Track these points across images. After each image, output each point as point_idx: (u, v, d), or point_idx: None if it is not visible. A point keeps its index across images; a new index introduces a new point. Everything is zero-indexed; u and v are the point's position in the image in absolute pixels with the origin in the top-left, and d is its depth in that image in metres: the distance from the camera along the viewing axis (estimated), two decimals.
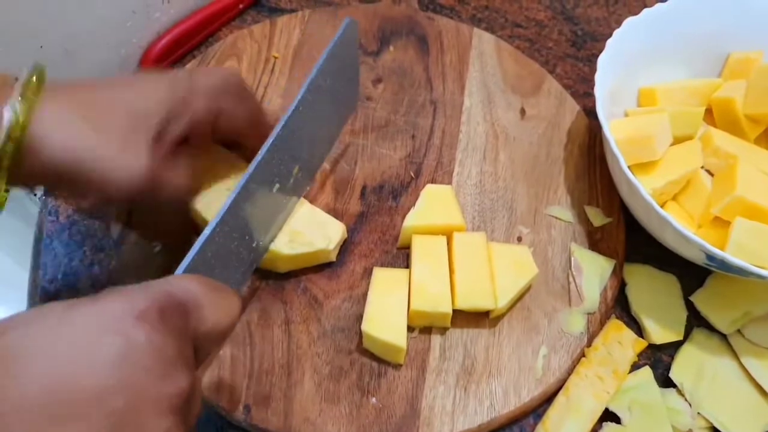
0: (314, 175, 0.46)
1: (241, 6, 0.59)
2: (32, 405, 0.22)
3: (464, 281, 0.41)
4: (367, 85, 0.53)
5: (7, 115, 0.30)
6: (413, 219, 0.44)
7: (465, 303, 0.40)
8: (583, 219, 0.47)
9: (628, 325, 0.43)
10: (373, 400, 0.40)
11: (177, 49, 0.55)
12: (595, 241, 0.46)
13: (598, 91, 0.44)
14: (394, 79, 0.53)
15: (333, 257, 0.43)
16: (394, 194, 0.47)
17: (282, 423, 0.39)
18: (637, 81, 0.50)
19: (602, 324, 0.44)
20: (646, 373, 0.41)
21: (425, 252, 0.42)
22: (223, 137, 0.40)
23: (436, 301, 0.40)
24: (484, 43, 0.56)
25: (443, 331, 0.42)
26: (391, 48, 0.55)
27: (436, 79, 0.54)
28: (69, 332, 0.23)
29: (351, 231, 0.46)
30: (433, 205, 0.45)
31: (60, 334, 0.23)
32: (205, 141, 0.39)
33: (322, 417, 0.39)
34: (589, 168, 0.50)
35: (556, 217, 0.47)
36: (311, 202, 0.44)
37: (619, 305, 0.45)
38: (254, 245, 0.39)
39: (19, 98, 0.31)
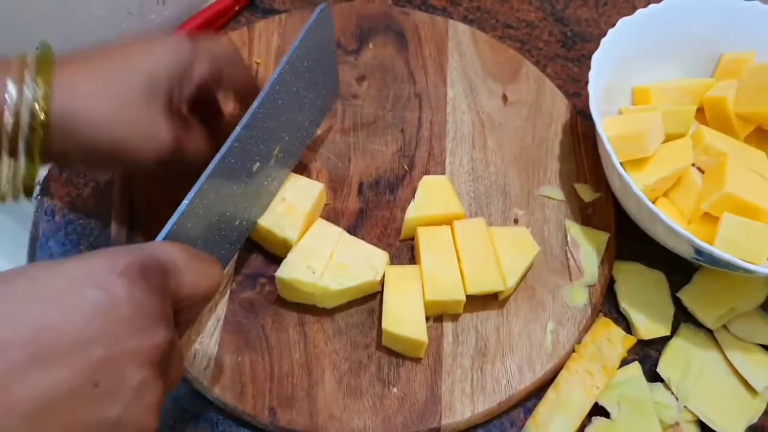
0: (297, 158, 0.47)
1: (237, 8, 0.59)
2: (16, 343, 0.22)
3: (472, 267, 0.42)
4: (351, 83, 0.53)
5: (28, 92, 0.31)
6: (414, 211, 0.45)
7: (475, 288, 0.42)
8: (574, 196, 0.49)
9: (616, 320, 0.45)
10: (395, 390, 0.41)
11: None
12: (588, 216, 0.48)
13: (592, 89, 0.45)
14: (377, 75, 0.54)
15: (379, 287, 0.43)
16: (390, 188, 0.48)
17: (308, 422, 0.39)
18: (631, 80, 0.52)
19: (603, 294, 0.46)
20: (635, 368, 0.42)
21: (432, 243, 0.43)
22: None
23: (449, 289, 0.41)
24: (459, 33, 0.57)
25: (455, 317, 0.43)
26: (371, 45, 0.56)
27: (418, 73, 0.55)
28: (52, 284, 0.24)
29: (353, 228, 0.46)
30: (431, 196, 0.46)
31: (43, 285, 0.24)
32: (212, 107, 0.40)
33: (347, 412, 0.40)
34: (574, 146, 0.52)
35: (549, 197, 0.49)
36: None
37: (608, 302, 0.46)
38: (237, 223, 0.41)
39: (36, 76, 0.31)
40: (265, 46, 0.55)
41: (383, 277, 0.42)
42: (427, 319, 0.43)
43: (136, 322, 0.24)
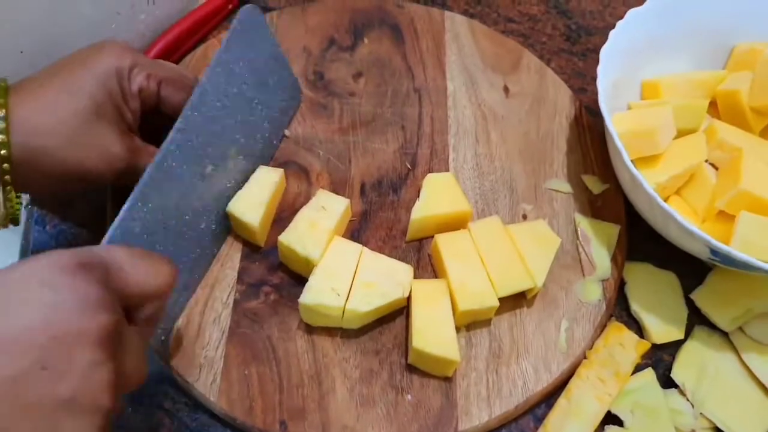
0: (266, 159, 0.47)
1: (230, 6, 0.57)
2: None
3: (497, 269, 0.41)
4: (348, 80, 0.52)
5: None
6: (420, 211, 0.43)
7: (505, 290, 0.40)
8: (582, 188, 0.48)
9: (627, 324, 0.43)
10: (409, 396, 0.39)
11: (170, 57, 0.53)
12: (597, 208, 0.47)
13: (601, 84, 0.43)
14: (374, 71, 0.53)
15: (405, 303, 0.41)
16: (393, 188, 0.47)
17: None
18: (640, 73, 0.50)
19: (617, 289, 0.44)
20: (649, 374, 0.41)
21: (454, 251, 0.42)
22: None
23: (480, 297, 0.40)
24: (457, 25, 0.56)
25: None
26: (366, 40, 0.54)
27: (416, 67, 0.53)
28: (2, 282, 0.26)
29: (357, 231, 0.45)
30: (436, 194, 0.44)
31: None
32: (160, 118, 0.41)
33: (360, 422, 0.38)
34: (579, 138, 0.50)
35: (556, 190, 0.48)
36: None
37: (619, 305, 0.45)
38: (203, 226, 0.41)
39: None
40: None
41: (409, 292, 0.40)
42: (458, 330, 0.41)
43: (77, 307, 0.26)
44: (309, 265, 0.40)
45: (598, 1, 0.61)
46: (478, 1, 0.60)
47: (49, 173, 0.36)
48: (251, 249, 0.44)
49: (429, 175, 0.45)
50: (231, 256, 0.44)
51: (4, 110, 0.34)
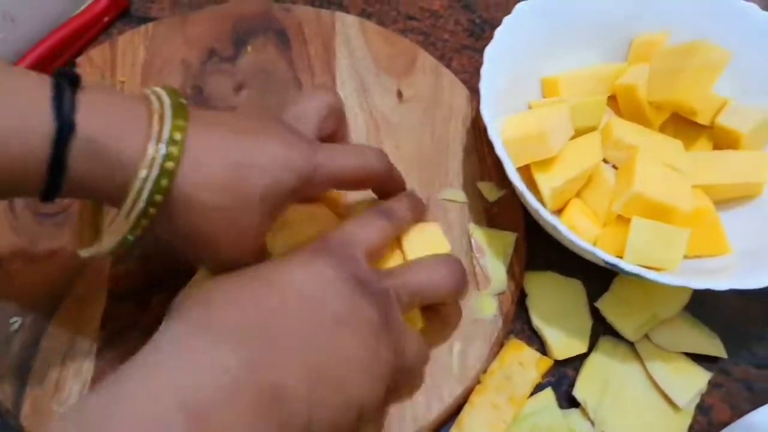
0: None
1: (106, 19, 0.53)
2: None
3: None
4: (228, 94, 0.48)
5: (160, 153, 0.27)
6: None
7: None
8: (478, 196, 0.45)
9: (529, 339, 0.41)
10: None
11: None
12: (493, 216, 0.44)
13: (485, 87, 0.40)
14: (258, 82, 0.49)
15: None
16: None
17: None
18: (540, 70, 0.47)
19: (515, 303, 0.42)
20: (547, 395, 0.38)
21: None
22: None
23: None
24: (348, 27, 0.52)
25: None
26: (249, 49, 0.51)
27: (303, 74, 0.50)
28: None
29: None
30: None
31: None
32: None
33: None
34: (476, 142, 0.48)
35: (451, 200, 0.45)
36: None
37: (521, 319, 0.42)
38: None
39: (169, 135, 0.27)
40: (131, 62, 0.49)
41: None
42: None
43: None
44: None
45: None
46: None
47: (180, 231, 0.29)
48: (117, 289, 0.40)
49: None
50: (97, 296, 0.40)
51: (180, 134, 0.27)
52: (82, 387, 0.37)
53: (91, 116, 0.26)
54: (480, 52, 0.54)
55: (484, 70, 0.42)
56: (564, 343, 0.41)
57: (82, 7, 0.53)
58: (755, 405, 0.39)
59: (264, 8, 0.53)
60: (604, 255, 0.36)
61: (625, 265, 0.36)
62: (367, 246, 0.33)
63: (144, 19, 0.54)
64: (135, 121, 0.27)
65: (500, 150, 0.38)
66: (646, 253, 0.38)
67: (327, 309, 0.29)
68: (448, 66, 0.52)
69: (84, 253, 0.31)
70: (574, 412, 0.39)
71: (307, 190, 0.32)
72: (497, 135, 0.39)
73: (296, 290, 0.29)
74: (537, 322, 0.41)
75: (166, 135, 0.27)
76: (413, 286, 0.33)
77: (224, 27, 0.52)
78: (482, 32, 0.56)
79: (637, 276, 0.36)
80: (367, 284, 0.31)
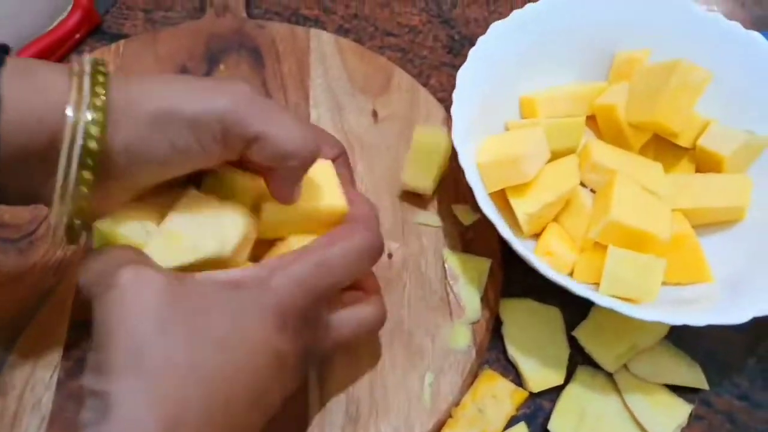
0: None
1: (77, 36, 0.52)
2: None
3: None
4: None
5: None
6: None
7: None
8: (453, 220, 0.44)
9: (504, 370, 0.40)
10: None
11: None
12: (468, 241, 0.43)
13: (456, 113, 0.39)
14: None
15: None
16: None
17: None
18: (519, 88, 0.45)
19: (490, 332, 0.41)
20: (521, 430, 0.37)
21: None
22: None
23: None
24: (323, 44, 0.51)
25: (321, 382, 0.38)
26: (222, 67, 0.50)
27: (276, 93, 0.49)
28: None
29: None
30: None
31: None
32: None
33: None
34: (452, 162, 0.46)
35: (425, 224, 0.44)
36: None
37: (497, 348, 0.41)
38: None
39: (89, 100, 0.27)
40: None
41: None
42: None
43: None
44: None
45: (484, 8, 0.57)
46: (354, 14, 0.56)
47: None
48: (81, 321, 0.39)
49: None
50: (59, 326, 0.39)
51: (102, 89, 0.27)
52: (41, 422, 0.36)
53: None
54: (458, 68, 0.53)
55: (456, 95, 0.40)
56: (540, 375, 0.39)
57: (54, 24, 0.52)
58: None
59: (237, 25, 0.52)
60: (578, 288, 0.35)
61: (599, 298, 0.34)
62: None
63: (117, 36, 0.53)
64: (56, 85, 0.27)
65: (471, 177, 0.37)
66: (622, 283, 0.37)
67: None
68: (426, 84, 0.51)
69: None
70: None
71: (237, 143, 0.30)
72: (469, 161, 0.38)
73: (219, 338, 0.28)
74: (512, 351, 0.40)
75: (86, 97, 0.27)
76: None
77: (197, 44, 0.50)
78: (461, 48, 0.55)
79: (612, 310, 0.35)
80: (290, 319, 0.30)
